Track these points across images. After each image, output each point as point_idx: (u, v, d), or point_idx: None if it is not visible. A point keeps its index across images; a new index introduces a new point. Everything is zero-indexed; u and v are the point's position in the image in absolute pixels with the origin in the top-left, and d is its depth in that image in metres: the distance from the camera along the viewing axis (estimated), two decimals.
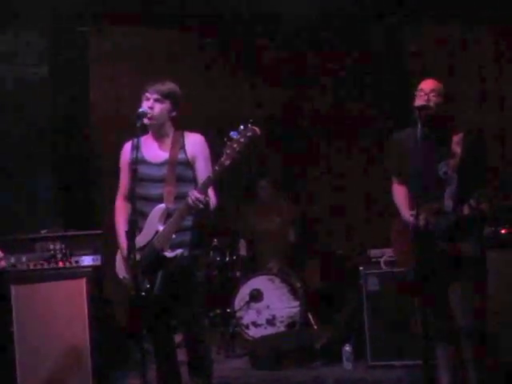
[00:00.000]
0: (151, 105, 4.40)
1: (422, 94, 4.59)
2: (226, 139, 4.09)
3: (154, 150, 4.49)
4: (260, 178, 7.31)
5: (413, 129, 4.69)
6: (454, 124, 4.69)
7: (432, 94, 4.57)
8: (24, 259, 4.75)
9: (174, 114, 4.49)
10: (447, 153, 4.59)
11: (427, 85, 4.62)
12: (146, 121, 4.36)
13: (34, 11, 6.14)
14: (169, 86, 4.46)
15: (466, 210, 4.45)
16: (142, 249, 4.28)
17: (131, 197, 4.28)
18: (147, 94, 4.42)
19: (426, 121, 4.56)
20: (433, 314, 4.55)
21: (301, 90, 7.50)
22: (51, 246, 4.69)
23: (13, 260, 4.70)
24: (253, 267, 6.96)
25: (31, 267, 5.45)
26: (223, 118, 6.52)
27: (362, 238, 6.82)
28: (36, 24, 6.51)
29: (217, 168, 4.16)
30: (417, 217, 4.35)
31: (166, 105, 4.44)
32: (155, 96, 4.40)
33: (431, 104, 4.55)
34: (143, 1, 6.36)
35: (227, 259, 6.89)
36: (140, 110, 4.31)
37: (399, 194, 4.80)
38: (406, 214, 4.64)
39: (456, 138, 4.60)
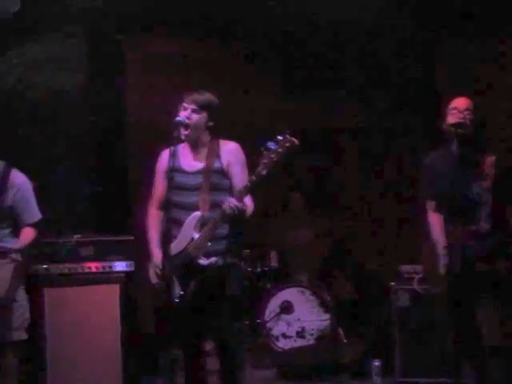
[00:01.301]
0: (188, 115, 4.38)
1: (456, 111, 4.56)
2: (263, 149, 4.06)
3: (190, 159, 4.48)
4: (292, 190, 7.30)
5: (445, 149, 4.67)
6: (485, 144, 4.66)
7: (467, 112, 4.55)
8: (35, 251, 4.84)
9: (210, 124, 4.47)
10: (480, 174, 4.57)
11: (461, 103, 4.60)
12: (183, 132, 4.36)
13: (72, 20, 6.20)
14: (206, 96, 4.45)
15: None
16: (176, 256, 4.27)
17: (166, 204, 4.28)
18: (184, 104, 4.40)
19: (461, 138, 4.52)
20: (464, 333, 4.55)
21: (335, 104, 7.45)
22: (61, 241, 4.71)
23: (28, 251, 4.74)
24: (283, 279, 6.93)
25: (65, 271, 5.50)
26: (255, 128, 6.52)
27: (393, 253, 6.74)
28: (73, 32, 6.56)
29: (254, 177, 4.13)
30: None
31: (203, 115, 4.42)
32: (192, 106, 4.38)
33: (467, 122, 4.51)
34: (180, 11, 6.36)
35: (258, 270, 6.90)
36: (177, 118, 4.32)
37: (435, 223, 4.74)
38: (441, 249, 4.59)
39: (489, 160, 4.58)
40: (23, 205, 4.83)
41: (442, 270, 4.56)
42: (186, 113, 4.38)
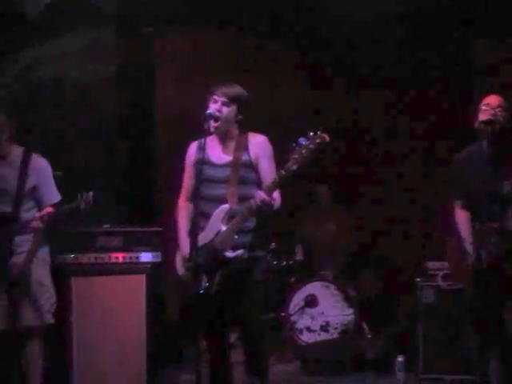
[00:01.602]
0: (219, 108, 4.38)
1: (489, 108, 4.53)
2: (294, 144, 4.04)
3: (218, 152, 4.49)
4: (319, 184, 7.28)
5: (476, 146, 4.65)
6: None
7: (498, 109, 4.51)
8: (53, 215, 4.78)
9: (239, 117, 4.47)
10: (511, 171, 4.53)
11: (493, 100, 4.56)
12: (212, 125, 4.36)
13: (102, 13, 6.23)
14: (236, 89, 4.45)
15: None
16: (203, 248, 4.27)
17: (194, 197, 4.27)
18: (215, 97, 4.40)
19: (493, 136, 4.49)
20: (490, 331, 4.53)
21: (362, 100, 7.42)
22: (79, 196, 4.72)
23: (46, 218, 4.73)
24: (308, 273, 6.93)
25: (92, 260, 5.56)
26: (282, 121, 6.53)
27: (419, 249, 6.72)
28: (104, 25, 6.58)
29: (283, 172, 4.10)
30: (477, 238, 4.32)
31: (233, 108, 4.42)
32: (223, 99, 4.39)
33: (499, 118, 4.48)
34: (209, 4, 6.37)
35: (283, 264, 6.88)
36: (208, 111, 4.33)
37: (462, 220, 4.73)
38: (468, 247, 4.59)
39: None
40: (44, 186, 4.93)
41: (468, 267, 4.55)
42: (217, 106, 4.38)
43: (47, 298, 4.92)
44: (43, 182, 4.93)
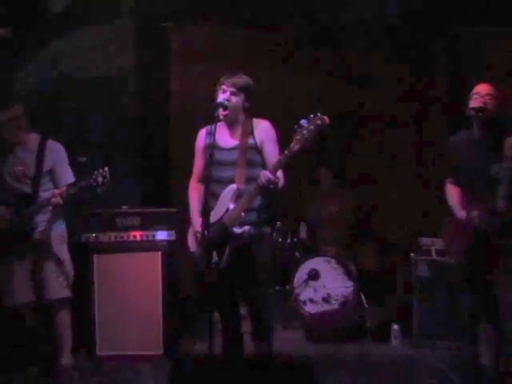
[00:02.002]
0: (228, 97, 4.46)
1: (478, 96, 4.58)
2: (296, 126, 4.14)
3: (226, 137, 4.57)
4: (320, 165, 7.27)
5: (468, 131, 4.70)
6: (506, 127, 4.62)
7: (488, 97, 4.56)
8: (72, 190, 4.86)
9: (247, 105, 4.55)
10: (500, 155, 4.56)
11: (483, 88, 4.60)
12: (222, 113, 4.45)
13: (120, 8, 6.28)
14: (244, 79, 4.52)
15: None
16: (212, 225, 4.33)
17: (205, 179, 4.35)
18: (224, 87, 4.48)
19: (482, 122, 4.56)
20: (479, 301, 4.60)
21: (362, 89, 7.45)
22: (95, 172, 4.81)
23: (65, 194, 4.83)
24: (311, 249, 6.94)
25: (112, 239, 5.65)
26: (290, 108, 6.55)
27: (414, 226, 6.75)
28: (122, 20, 6.61)
29: (287, 152, 4.19)
30: (471, 215, 4.37)
31: (241, 97, 4.51)
32: (231, 89, 4.47)
33: (488, 106, 4.55)
34: (221, 1, 6.39)
35: (288, 241, 6.93)
36: (218, 100, 4.41)
37: (453, 194, 4.80)
38: (461, 213, 4.65)
39: (509, 142, 4.55)
40: (59, 168, 5.09)
41: (463, 244, 4.61)
42: (226, 95, 4.46)
43: (65, 272, 5.06)
44: (58, 164, 5.08)
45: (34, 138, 5.09)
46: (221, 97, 4.47)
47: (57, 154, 5.10)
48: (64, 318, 5.07)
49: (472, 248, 4.47)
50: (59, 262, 5.02)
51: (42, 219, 5.00)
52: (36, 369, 5.15)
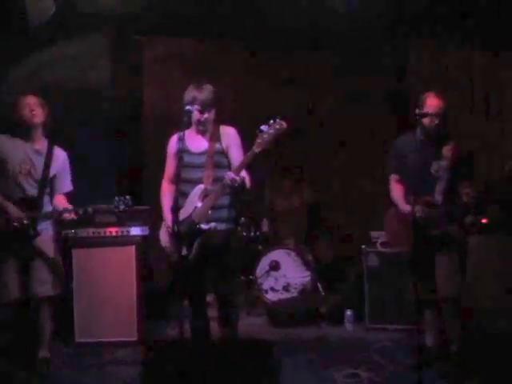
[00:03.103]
0: (205, 116, 4.50)
1: (429, 104, 4.63)
2: (257, 131, 4.20)
3: (195, 142, 4.59)
4: (282, 163, 7.29)
5: (411, 133, 4.77)
6: (447, 132, 4.74)
7: (440, 114, 4.63)
8: (90, 210, 4.79)
9: (216, 115, 4.61)
10: (440, 155, 4.68)
11: (436, 106, 4.64)
12: (200, 127, 4.52)
13: (97, 22, 6.17)
14: (211, 93, 4.51)
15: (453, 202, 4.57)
16: (182, 222, 4.37)
17: (176, 180, 4.35)
18: (198, 107, 4.46)
19: (426, 130, 4.63)
20: (423, 286, 4.63)
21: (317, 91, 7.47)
22: (116, 199, 4.74)
23: (81, 211, 4.76)
24: (273, 242, 6.99)
25: (90, 234, 5.60)
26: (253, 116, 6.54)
27: (365, 220, 6.77)
28: (98, 34, 6.54)
29: (249, 154, 4.27)
30: (413, 208, 4.44)
31: (213, 112, 4.57)
32: (207, 106, 4.50)
33: (435, 119, 4.61)
34: (191, 15, 6.33)
35: (252, 234, 6.97)
36: (187, 108, 4.39)
37: (397, 189, 4.88)
38: (404, 206, 4.72)
39: (449, 145, 4.68)
40: (62, 176, 4.95)
41: (405, 235, 4.62)
42: (205, 115, 4.49)
43: (57, 270, 4.93)
44: (62, 171, 4.95)
45: (43, 142, 4.90)
46: (199, 116, 4.49)
47: (62, 161, 4.96)
48: (49, 313, 4.93)
49: (413, 238, 4.48)
50: (53, 261, 4.89)
51: (45, 225, 4.86)
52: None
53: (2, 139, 4.84)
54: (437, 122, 4.63)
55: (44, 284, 4.84)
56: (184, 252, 4.38)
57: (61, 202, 4.91)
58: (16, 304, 4.84)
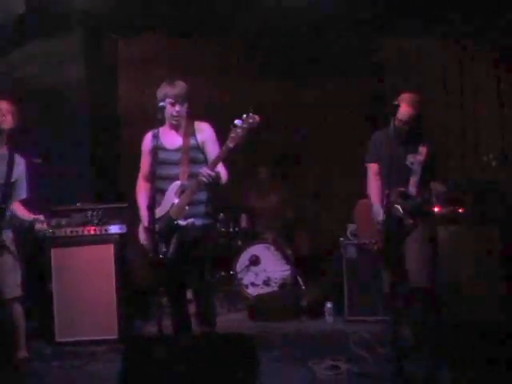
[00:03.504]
0: (178, 109, 4.52)
1: (399, 111, 4.66)
2: (231, 125, 4.23)
3: (170, 139, 4.61)
4: (260, 165, 7.37)
5: (386, 128, 4.82)
6: (421, 126, 4.79)
7: (417, 105, 4.69)
8: (63, 222, 4.80)
9: (189, 109, 4.63)
10: (415, 149, 4.76)
11: (403, 108, 4.67)
12: (175, 122, 4.53)
13: (71, 20, 6.14)
14: (184, 88, 4.55)
15: (426, 194, 4.65)
16: (160, 219, 4.40)
17: (151, 177, 4.37)
18: (171, 100, 4.49)
19: (399, 122, 4.68)
20: (395, 277, 4.65)
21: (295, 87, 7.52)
22: (88, 213, 4.79)
23: (54, 222, 4.77)
24: (252, 237, 7.04)
25: (68, 234, 5.57)
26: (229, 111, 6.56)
27: (342, 214, 6.82)
28: (72, 31, 6.51)
29: (223, 149, 4.30)
30: (387, 206, 4.48)
31: (186, 105, 4.58)
32: (179, 100, 4.52)
33: (409, 114, 4.67)
34: (165, 13, 6.35)
35: (231, 230, 7.01)
36: (160, 104, 4.40)
37: (373, 184, 4.92)
38: (376, 208, 4.78)
39: (423, 148, 4.75)
40: (21, 182, 4.88)
41: (375, 226, 4.74)
42: (177, 107, 4.51)
43: (19, 272, 4.87)
44: (21, 178, 4.89)
45: (5, 147, 4.86)
46: (171, 109, 4.50)
47: (23, 167, 4.90)
48: (20, 314, 4.88)
49: (385, 229, 4.55)
50: (15, 264, 4.85)
51: (8, 234, 4.82)
52: None
53: None
54: (407, 128, 4.71)
55: (12, 286, 4.80)
56: (162, 249, 4.41)
57: (20, 209, 4.85)
58: None
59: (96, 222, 4.80)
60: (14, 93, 4.98)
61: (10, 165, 4.81)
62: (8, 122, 4.82)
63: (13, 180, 4.82)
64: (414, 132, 4.77)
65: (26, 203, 4.90)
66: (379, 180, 4.89)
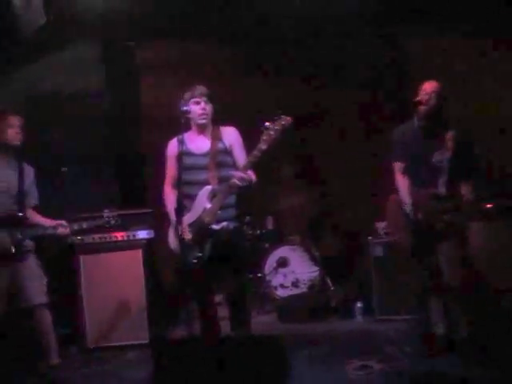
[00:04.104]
0: (204, 106, 4.56)
1: (424, 93, 4.67)
2: (262, 128, 4.24)
3: (197, 143, 4.65)
4: (284, 162, 7.33)
5: (409, 122, 4.81)
6: (447, 120, 4.75)
7: (433, 95, 4.65)
8: (84, 226, 4.86)
9: (214, 111, 4.67)
10: (441, 145, 4.68)
11: (428, 85, 4.70)
12: (203, 121, 4.56)
13: (88, 30, 6.19)
14: (207, 90, 4.61)
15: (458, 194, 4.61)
16: (191, 224, 4.45)
17: (178, 183, 4.42)
18: (196, 99, 4.55)
19: (423, 116, 4.66)
20: (427, 274, 4.70)
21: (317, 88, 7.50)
22: (109, 218, 4.84)
23: (75, 227, 4.83)
24: (278, 239, 7.02)
25: (96, 240, 5.66)
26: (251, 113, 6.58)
27: (370, 213, 6.78)
28: (90, 40, 6.60)
29: (256, 152, 4.31)
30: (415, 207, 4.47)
31: (212, 105, 4.63)
32: (204, 98, 4.56)
33: (430, 102, 4.64)
34: (178, 18, 6.37)
35: (258, 232, 7.00)
36: (184, 108, 4.44)
37: (401, 182, 4.86)
38: (407, 207, 4.73)
39: (449, 134, 4.67)
40: (32, 189, 4.96)
41: (404, 224, 4.71)
42: (202, 105, 4.56)
43: (41, 281, 4.89)
44: (32, 185, 4.97)
45: (14, 158, 4.92)
46: (197, 108, 4.54)
47: (31, 175, 4.98)
48: (49, 321, 4.92)
49: (416, 226, 4.56)
50: (40, 270, 4.90)
51: (29, 241, 4.86)
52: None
53: None
54: (432, 103, 4.64)
55: (39, 292, 4.84)
56: (197, 254, 4.45)
57: (38, 216, 4.94)
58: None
59: (117, 225, 4.80)
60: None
61: (21, 173, 4.88)
62: (20, 138, 4.88)
63: (25, 188, 4.89)
64: (439, 127, 4.71)
65: (39, 211, 4.98)
66: (407, 179, 4.85)
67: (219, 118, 4.73)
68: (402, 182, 4.86)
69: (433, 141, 4.71)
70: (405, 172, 4.87)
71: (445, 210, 4.61)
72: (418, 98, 4.66)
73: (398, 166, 4.92)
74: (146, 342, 5.55)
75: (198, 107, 4.54)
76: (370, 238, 6.05)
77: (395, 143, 4.92)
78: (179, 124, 4.39)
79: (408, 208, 4.73)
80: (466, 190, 4.63)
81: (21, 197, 4.85)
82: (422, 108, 4.66)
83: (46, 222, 4.90)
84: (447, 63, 6.66)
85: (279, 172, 7.42)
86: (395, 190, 4.91)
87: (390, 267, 5.88)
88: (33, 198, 4.98)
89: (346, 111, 7.38)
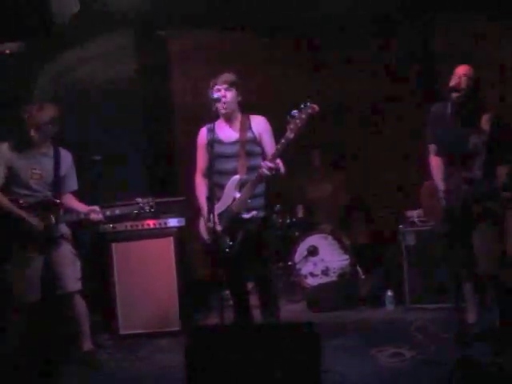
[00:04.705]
0: (223, 94, 4.59)
1: (456, 77, 4.66)
2: (288, 117, 4.25)
3: (226, 132, 4.68)
4: (312, 148, 7.33)
5: (443, 104, 4.73)
6: (482, 104, 4.71)
7: (464, 78, 4.63)
8: (117, 211, 4.91)
9: (240, 98, 4.68)
10: (477, 129, 4.64)
11: (460, 69, 4.68)
12: (221, 109, 4.56)
13: (121, 19, 6.24)
14: (231, 75, 4.65)
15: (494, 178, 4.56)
16: (222, 214, 4.49)
17: (209, 172, 4.45)
18: (217, 87, 4.59)
19: (457, 100, 4.62)
20: (461, 261, 4.67)
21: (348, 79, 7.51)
22: (143, 204, 4.88)
23: (108, 213, 4.89)
24: (309, 227, 7.04)
25: (128, 228, 5.72)
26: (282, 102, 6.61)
27: (400, 200, 6.79)
28: (123, 29, 6.68)
29: (283, 141, 4.32)
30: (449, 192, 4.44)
31: (234, 91, 4.64)
32: (225, 86, 4.59)
33: (462, 86, 4.61)
34: (211, 6, 6.39)
35: (288, 221, 7.04)
36: (214, 96, 4.49)
37: (435, 166, 4.83)
38: (440, 185, 4.71)
39: (485, 117, 4.63)
40: (69, 176, 5.02)
41: (439, 208, 4.67)
42: (221, 93, 4.58)
43: (75, 268, 4.98)
44: (71, 171, 5.04)
45: (48, 144, 4.96)
46: (216, 95, 4.56)
47: (69, 161, 5.04)
48: (83, 307, 5.01)
49: (450, 212, 4.53)
50: (74, 257, 4.99)
51: (65, 228, 4.97)
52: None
53: (4, 147, 4.86)
54: (464, 86, 4.60)
55: (73, 279, 4.92)
56: (228, 242, 4.51)
57: (74, 201, 5.01)
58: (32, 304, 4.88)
59: (149, 211, 4.83)
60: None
61: (57, 160, 4.93)
62: (58, 127, 4.91)
63: (62, 174, 4.96)
64: (474, 110, 4.67)
65: (77, 196, 5.05)
66: (440, 161, 4.80)
67: (249, 107, 4.75)
68: (436, 165, 4.82)
69: (468, 123, 4.66)
70: (439, 154, 4.82)
71: (478, 194, 4.57)
72: (451, 83, 4.64)
73: (432, 148, 4.89)
74: (178, 329, 5.60)
75: (217, 94, 4.56)
76: (401, 226, 6.03)
77: (430, 124, 4.88)
78: (209, 112, 4.43)
79: (441, 193, 4.70)
80: (501, 174, 4.58)
81: (56, 183, 4.91)
82: (455, 91, 4.62)
83: (80, 207, 4.97)
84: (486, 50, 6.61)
85: (308, 158, 7.41)
86: (429, 177, 4.88)
87: (422, 255, 5.87)
88: (71, 183, 5.04)
89: (376, 98, 7.39)
